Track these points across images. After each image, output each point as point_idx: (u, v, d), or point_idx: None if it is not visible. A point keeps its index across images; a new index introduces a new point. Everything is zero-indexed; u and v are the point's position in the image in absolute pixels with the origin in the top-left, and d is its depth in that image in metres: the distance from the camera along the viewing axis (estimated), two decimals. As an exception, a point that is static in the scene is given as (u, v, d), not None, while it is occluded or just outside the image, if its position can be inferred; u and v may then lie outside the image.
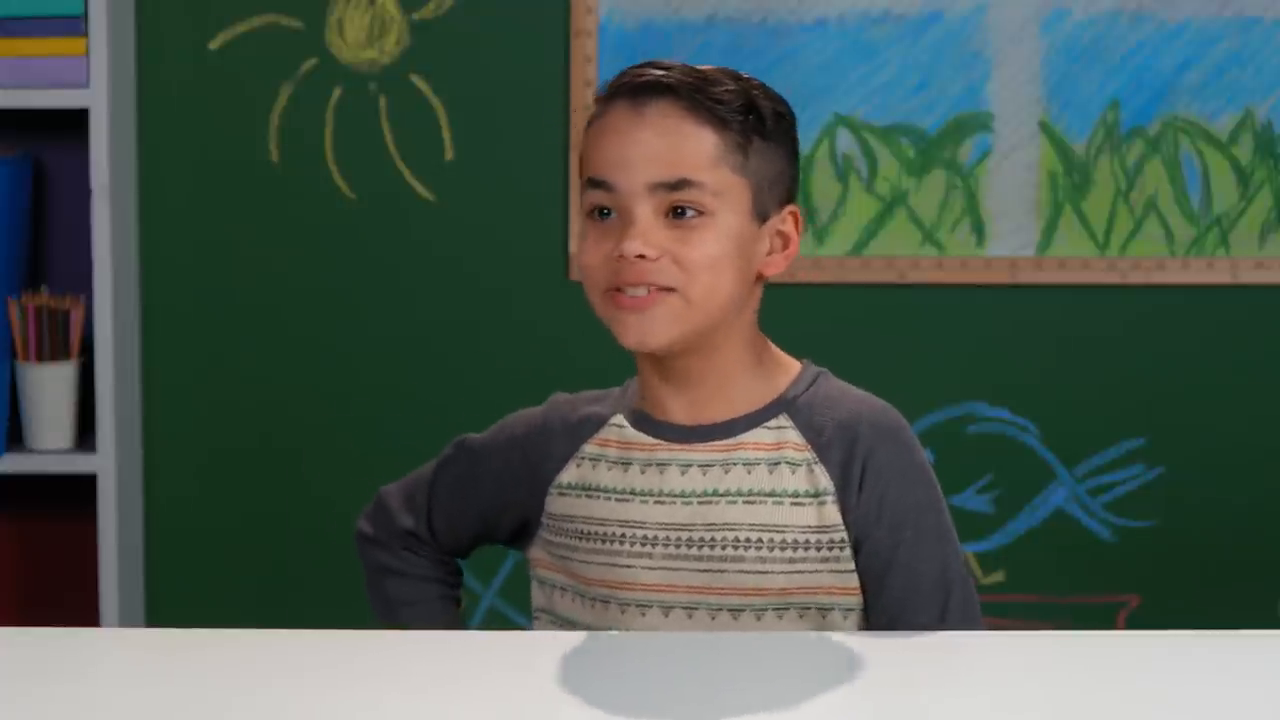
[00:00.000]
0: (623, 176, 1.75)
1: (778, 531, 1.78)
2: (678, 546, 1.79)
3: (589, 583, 1.83)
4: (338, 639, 1.69)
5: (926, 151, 2.97)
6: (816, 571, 1.78)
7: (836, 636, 1.73)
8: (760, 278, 1.80)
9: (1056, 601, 3.03)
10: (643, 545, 1.80)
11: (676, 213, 1.74)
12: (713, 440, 1.80)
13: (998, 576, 3.03)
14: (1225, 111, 2.97)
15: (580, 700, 1.54)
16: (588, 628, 1.83)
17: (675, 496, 1.80)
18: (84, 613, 2.87)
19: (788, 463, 1.79)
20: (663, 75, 1.76)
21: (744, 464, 1.79)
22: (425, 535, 1.93)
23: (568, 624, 1.85)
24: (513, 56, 2.97)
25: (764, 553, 1.77)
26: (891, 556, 1.77)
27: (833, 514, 1.78)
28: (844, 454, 1.78)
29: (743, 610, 1.78)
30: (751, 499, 1.79)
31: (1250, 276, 2.98)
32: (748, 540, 1.78)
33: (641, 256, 1.73)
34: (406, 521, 1.93)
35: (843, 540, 1.78)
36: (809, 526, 1.78)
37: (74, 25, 2.78)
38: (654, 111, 1.75)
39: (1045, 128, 2.97)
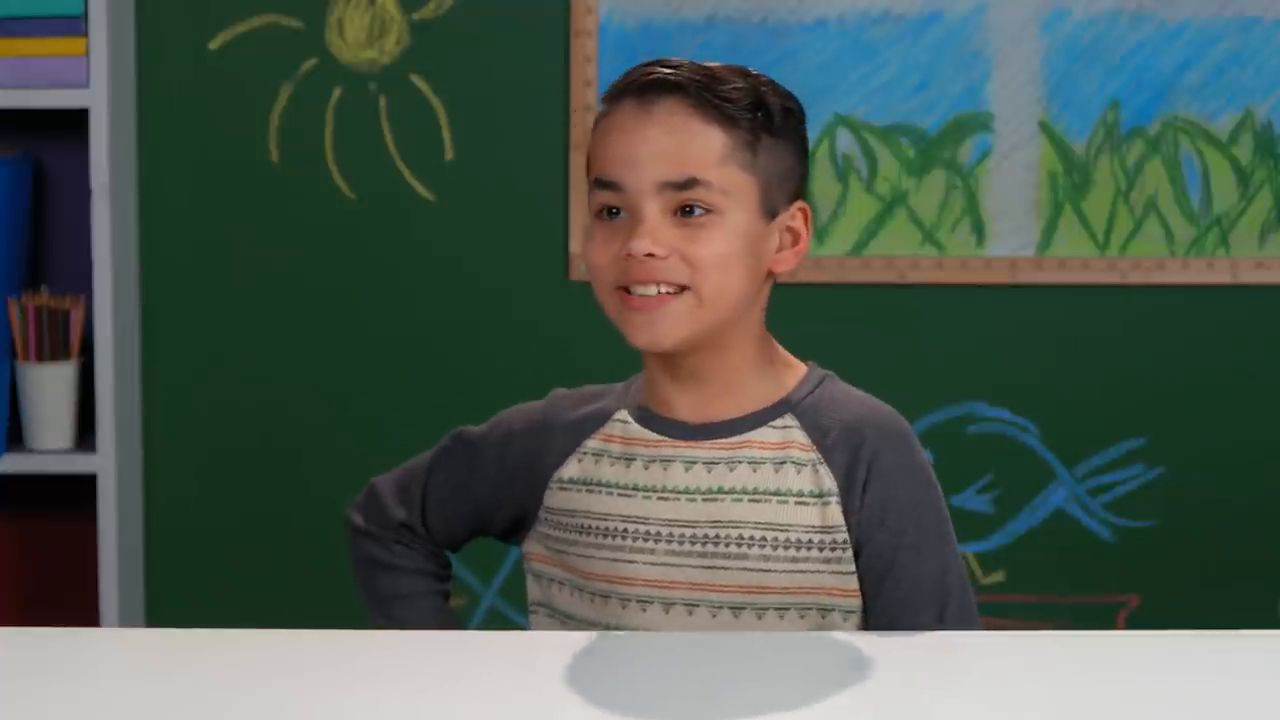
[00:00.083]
0: (631, 175, 1.74)
1: (781, 530, 1.77)
2: (681, 542, 1.79)
3: (589, 577, 1.82)
4: (338, 639, 1.69)
5: (926, 151, 2.97)
6: (818, 572, 1.78)
7: (836, 636, 1.73)
8: (770, 275, 1.80)
9: (1056, 601, 3.03)
10: (645, 540, 1.80)
11: (685, 211, 1.74)
12: (718, 438, 1.80)
13: (998, 576, 3.03)
14: (1225, 111, 2.97)
15: (580, 700, 1.54)
16: (586, 622, 1.82)
17: (680, 493, 1.80)
18: (84, 613, 2.87)
19: (793, 462, 1.79)
20: (670, 73, 1.75)
21: (749, 462, 1.79)
22: (419, 528, 1.92)
23: (566, 618, 1.85)
24: (513, 56, 2.97)
25: (767, 551, 1.77)
26: (893, 559, 1.77)
27: (836, 515, 1.78)
28: (849, 456, 1.78)
29: (743, 608, 1.78)
30: (757, 497, 1.78)
31: (1250, 276, 2.98)
32: (751, 538, 1.78)
33: (651, 255, 1.72)
34: (399, 514, 1.92)
35: (845, 542, 1.78)
36: (812, 527, 1.78)
37: (74, 25, 2.78)
38: (662, 110, 1.75)
39: (1045, 128, 2.97)
